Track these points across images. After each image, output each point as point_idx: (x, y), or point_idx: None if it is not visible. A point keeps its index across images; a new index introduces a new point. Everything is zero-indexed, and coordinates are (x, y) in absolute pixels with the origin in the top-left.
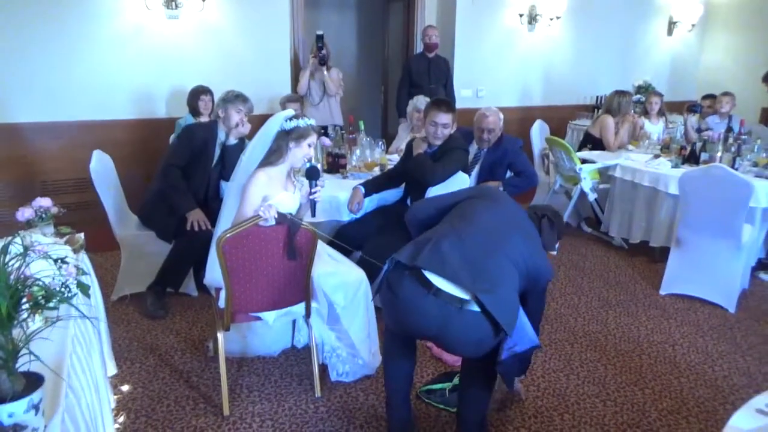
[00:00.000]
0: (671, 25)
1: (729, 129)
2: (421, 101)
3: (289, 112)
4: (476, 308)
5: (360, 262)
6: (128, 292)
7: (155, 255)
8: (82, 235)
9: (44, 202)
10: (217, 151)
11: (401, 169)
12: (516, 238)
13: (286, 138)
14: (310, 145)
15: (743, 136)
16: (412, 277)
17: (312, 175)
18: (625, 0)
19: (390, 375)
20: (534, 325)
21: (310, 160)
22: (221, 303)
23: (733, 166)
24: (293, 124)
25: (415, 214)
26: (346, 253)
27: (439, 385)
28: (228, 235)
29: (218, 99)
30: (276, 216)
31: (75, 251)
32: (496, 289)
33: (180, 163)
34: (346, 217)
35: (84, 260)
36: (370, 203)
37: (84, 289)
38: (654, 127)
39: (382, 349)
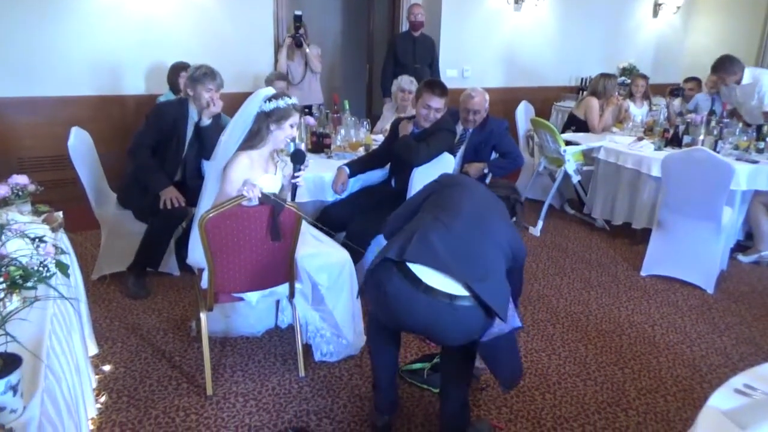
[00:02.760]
0: (656, 7)
1: (712, 112)
2: (405, 81)
3: (269, 90)
4: (467, 302)
5: (344, 243)
6: (109, 271)
7: (136, 234)
8: (60, 213)
9: (20, 179)
10: (190, 130)
11: (386, 149)
12: (497, 221)
13: (266, 120)
14: (292, 126)
15: (725, 119)
16: (400, 274)
17: (297, 158)
18: None
19: (377, 360)
20: (514, 301)
21: (293, 140)
22: (204, 283)
23: (714, 149)
24: (273, 105)
25: (392, 225)
26: (331, 234)
27: (419, 365)
28: (211, 214)
29: (186, 77)
30: (259, 196)
31: (53, 230)
32: (489, 276)
33: (148, 143)
34: (330, 197)
35: (63, 239)
36: (355, 183)
37: (63, 268)
38: (638, 110)
39: (368, 335)
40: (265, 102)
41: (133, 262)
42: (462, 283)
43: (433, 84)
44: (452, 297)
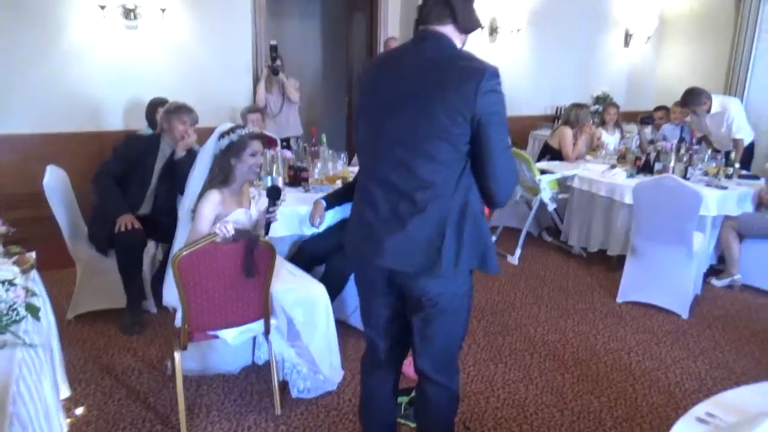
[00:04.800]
0: (627, 37)
1: (681, 139)
2: None
3: (223, 126)
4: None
5: (323, 278)
6: (84, 309)
7: (110, 271)
8: (33, 254)
9: None
10: (159, 164)
11: None
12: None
13: (225, 157)
14: (253, 155)
15: (695, 146)
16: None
17: (273, 194)
18: (583, 13)
19: (367, 400)
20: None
21: (270, 174)
22: (178, 321)
23: (685, 176)
24: (226, 140)
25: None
26: (309, 268)
27: (398, 399)
28: (184, 253)
29: (162, 111)
30: (233, 233)
31: (24, 272)
32: (403, 228)
33: (112, 171)
34: (307, 230)
35: (35, 280)
36: (334, 216)
37: (33, 311)
38: (611, 138)
39: (360, 367)
40: (219, 139)
41: (126, 298)
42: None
43: None
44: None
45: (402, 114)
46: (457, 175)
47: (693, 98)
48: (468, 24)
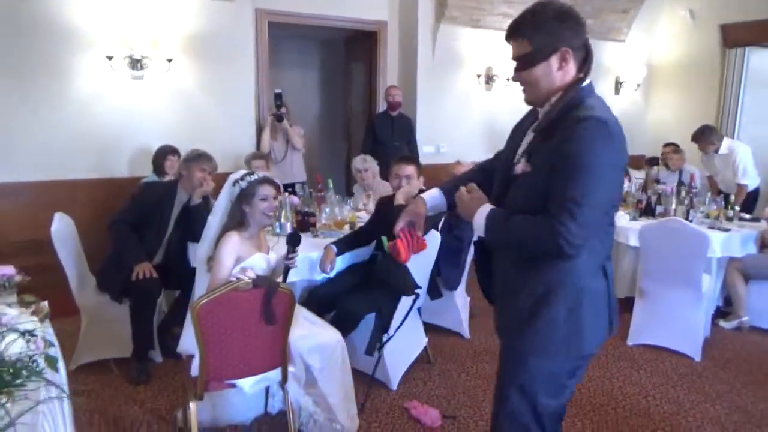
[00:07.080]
0: (618, 84)
1: (680, 183)
2: (358, 161)
3: (234, 175)
4: None
5: (333, 322)
6: (88, 359)
7: (116, 320)
8: (46, 303)
9: (7, 270)
10: (175, 212)
11: (371, 228)
12: None
13: (237, 204)
14: (264, 199)
15: (694, 189)
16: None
17: (292, 241)
18: None
19: None
20: None
21: (279, 220)
22: (194, 370)
23: (687, 218)
24: (237, 188)
25: None
26: (319, 314)
27: None
28: (203, 301)
29: (181, 159)
30: (254, 278)
31: (40, 321)
32: None
33: (128, 218)
34: (318, 276)
35: (49, 331)
36: (342, 261)
37: (52, 363)
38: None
39: None
40: (232, 187)
41: (133, 347)
42: None
43: (400, 158)
44: None
45: None
46: None
47: (703, 137)
48: None
